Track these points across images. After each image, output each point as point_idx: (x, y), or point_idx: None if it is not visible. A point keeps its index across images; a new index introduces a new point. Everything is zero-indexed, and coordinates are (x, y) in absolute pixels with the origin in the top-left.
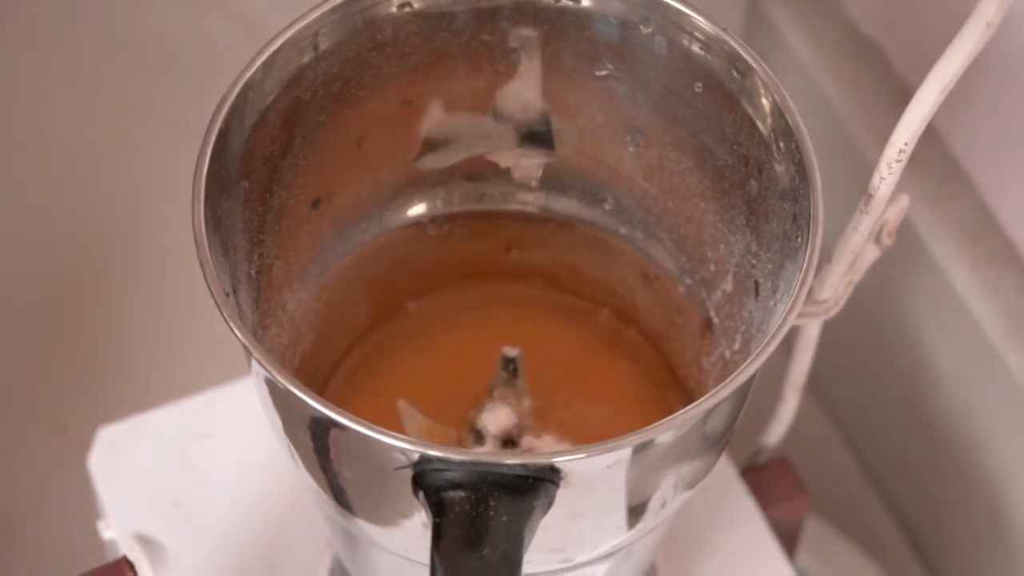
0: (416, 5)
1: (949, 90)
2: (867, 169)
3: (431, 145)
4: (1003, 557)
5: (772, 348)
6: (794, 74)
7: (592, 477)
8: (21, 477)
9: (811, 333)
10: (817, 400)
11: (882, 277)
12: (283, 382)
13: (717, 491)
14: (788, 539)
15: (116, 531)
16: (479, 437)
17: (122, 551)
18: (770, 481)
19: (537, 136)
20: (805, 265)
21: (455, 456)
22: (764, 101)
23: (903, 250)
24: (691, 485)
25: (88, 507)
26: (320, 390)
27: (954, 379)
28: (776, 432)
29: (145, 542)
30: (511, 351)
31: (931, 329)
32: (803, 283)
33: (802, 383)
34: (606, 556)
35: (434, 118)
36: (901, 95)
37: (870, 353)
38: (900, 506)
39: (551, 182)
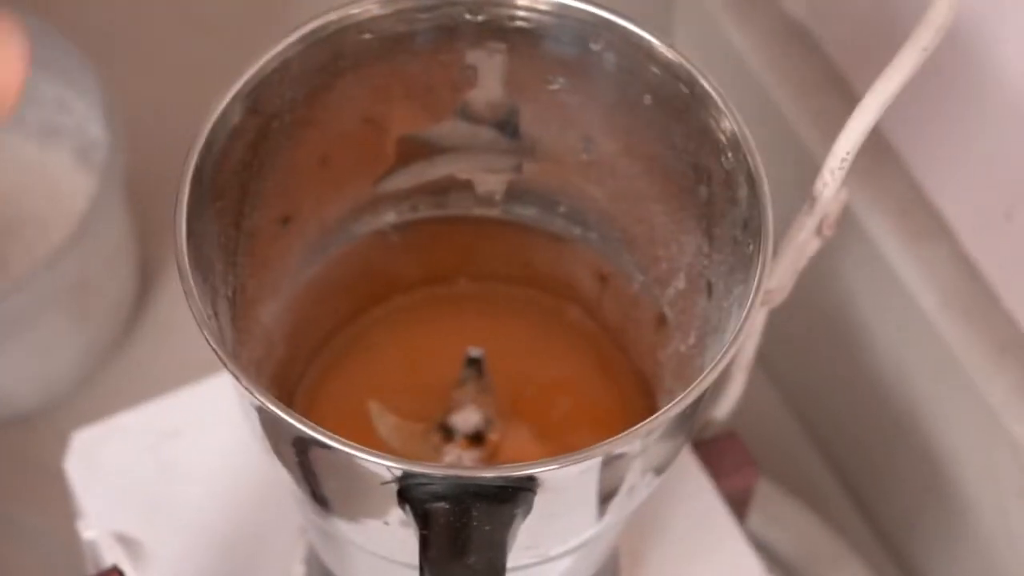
0: (376, 31)
1: (888, 105)
2: (812, 163)
3: (399, 160)
4: (934, 504)
5: (730, 355)
6: (731, 64)
7: (567, 482)
8: None
9: (758, 320)
10: (765, 376)
11: (823, 257)
12: (272, 408)
13: (671, 467)
14: (739, 506)
15: (95, 531)
16: (448, 434)
17: (102, 550)
18: (721, 454)
19: (502, 145)
20: (758, 277)
21: (437, 472)
22: (713, 113)
23: (842, 229)
24: (660, 470)
25: (64, 516)
26: (292, 392)
27: (889, 346)
28: (724, 408)
29: (125, 541)
30: (475, 351)
31: (866, 300)
32: (756, 293)
33: (749, 364)
34: (577, 548)
35: (395, 134)
36: (834, 80)
37: (812, 326)
38: (843, 466)
39: (512, 193)
